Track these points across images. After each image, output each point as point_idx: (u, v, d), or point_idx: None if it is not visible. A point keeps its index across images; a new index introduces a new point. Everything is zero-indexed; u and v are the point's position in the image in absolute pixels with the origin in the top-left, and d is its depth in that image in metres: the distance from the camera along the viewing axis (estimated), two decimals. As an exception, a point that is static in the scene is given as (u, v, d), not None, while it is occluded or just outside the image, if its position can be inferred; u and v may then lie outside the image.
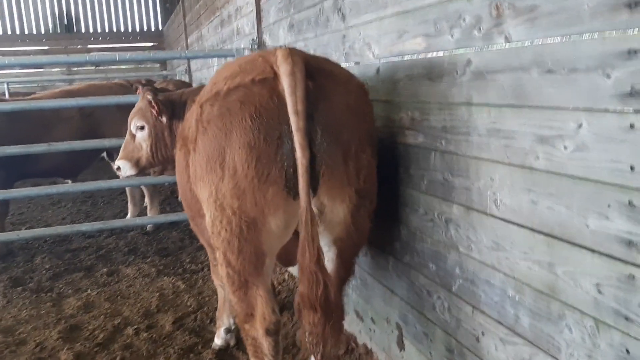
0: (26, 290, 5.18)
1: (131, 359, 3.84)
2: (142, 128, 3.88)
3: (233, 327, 3.90)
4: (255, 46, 5.27)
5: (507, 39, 2.00)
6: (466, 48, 2.24)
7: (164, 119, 3.86)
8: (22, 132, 5.76)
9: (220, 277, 2.73)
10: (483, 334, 2.35)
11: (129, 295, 4.99)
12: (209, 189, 2.49)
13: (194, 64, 10.07)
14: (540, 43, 1.84)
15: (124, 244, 6.56)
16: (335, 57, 3.43)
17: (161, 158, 4.01)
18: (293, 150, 2.30)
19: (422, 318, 2.85)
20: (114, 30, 17.48)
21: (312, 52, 3.86)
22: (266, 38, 5.16)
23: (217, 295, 4.23)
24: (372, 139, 2.61)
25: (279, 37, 4.73)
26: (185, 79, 10.46)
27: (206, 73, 8.85)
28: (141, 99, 3.93)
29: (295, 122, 2.27)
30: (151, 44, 17.34)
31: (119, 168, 4.03)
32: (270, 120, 2.34)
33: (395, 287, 3.10)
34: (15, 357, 3.94)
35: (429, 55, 2.51)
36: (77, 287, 5.24)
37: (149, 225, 6.99)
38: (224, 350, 3.88)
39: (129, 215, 7.34)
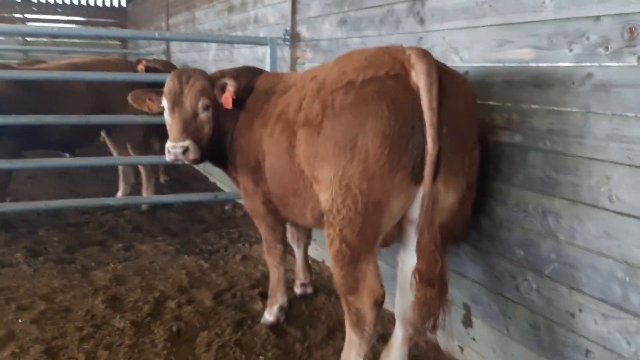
0: (48, 261, 5.16)
1: (186, 329, 3.98)
2: (207, 108, 3.82)
3: (286, 305, 4.13)
4: (288, 37, 5.44)
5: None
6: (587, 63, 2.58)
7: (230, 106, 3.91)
8: (33, 102, 5.69)
9: (333, 252, 2.90)
10: (580, 310, 2.71)
11: (155, 270, 5.08)
12: (335, 169, 2.73)
13: (176, 46, 10.03)
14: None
15: (124, 222, 6.57)
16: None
17: (216, 142, 4.04)
18: (424, 142, 2.58)
19: (500, 298, 3.19)
20: (74, 3, 16.85)
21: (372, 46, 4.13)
22: (301, 30, 5.36)
23: (245, 275, 4.83)
24: (478, 137, 2.93)
25: (323, 30, 4.96)
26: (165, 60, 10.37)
27: (196, 56, 8.89)
28: (197, 78, 3.88)
29: (429, 118, 2.56)
30: (111, 20, 16.86)
31: (186, 149, 3.67)
32: (404, 113, 2.61)
33: (467, 271, 3.43)
34: (67, 323, 4.00)
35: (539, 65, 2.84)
36: (98, 260, 5.29)
37: (144, 205, 7.02)
38: (275, 325, 4.07)
39: (119, 194, 7.32)
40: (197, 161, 3.83)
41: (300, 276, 4.55)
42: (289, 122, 3.20)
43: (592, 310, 2.67)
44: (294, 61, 5.49)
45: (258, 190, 3.79)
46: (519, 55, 2.96)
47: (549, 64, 2.80)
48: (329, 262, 3.35)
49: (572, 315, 2.77)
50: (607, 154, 2.53)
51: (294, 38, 5.48)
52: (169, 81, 3.79)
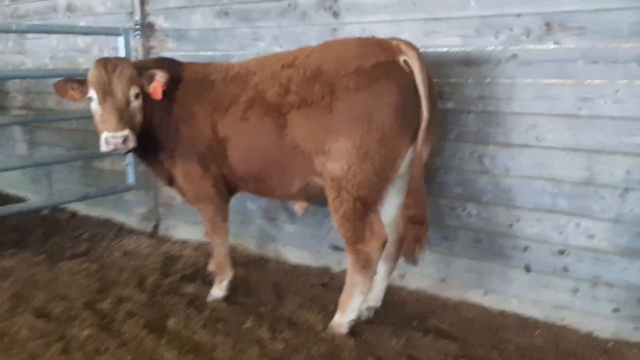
0: None
1: (152, 322, 3.96)
2: (137, 96, 3.82)
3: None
4: (138, 27, 5.45)
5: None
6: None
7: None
8: None
9: (345, 212, 3.49)
10: (518, 220, 3.89)
11: (47, 281, 4.67)
12: (352, 140, 3.36)
13: None
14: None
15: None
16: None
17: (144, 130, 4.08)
18: (420, 111, 3.41)
19: (441, 227, 4.20)
20: None
21: (268, 39, 4.68)
22: (156, 20, 5.44)
23: (144, 268, 4.99)
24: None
25: (192, 21, 5.20)
26: None
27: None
28: (125, 66, 3.86)
29: (423, 92, 3.39)
30: None
31: (126, 138, 3.66)
32: (407, 89, 3.39)
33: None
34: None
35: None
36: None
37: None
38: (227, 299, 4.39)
39: None
40: (130, 151, 3.93)
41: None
42: (272, 106, 3.62)
43: (528, 219, 3.85)
44: (147, 51, 5.51)
45: (207, 175, 4.04)
46: (447, 42, 3.93)
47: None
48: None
49: (510, 225, 3.93)
50: (533, 109, 3.70)
51: (145, 28, 5.49)
52: (94, 70, 3.76)
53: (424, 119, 3.41)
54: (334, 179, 3.46)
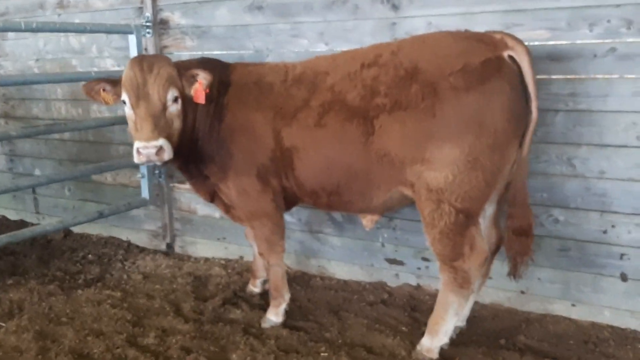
0: None
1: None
2: (176, 100, 3.36)
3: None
4: (150, 23, 4.87)
5: None
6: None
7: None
8: None
9: (445, 227, 3.12)
10: (613, 226, 3.61)
11: (71, 314, 4.06)
12: (460, 147, 3.01)
13: None
14: None
15: None
16: (374, 41, 3.81)
17: (185, 140, 3.57)
18: (527, 111, 3.08)
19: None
20: None
21: (312, 36, 4.25)
22: (171, 16, 4.88)
23: (177, 292, 4.51)
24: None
25: (216, 16, 4.68)
26: None
27: None
28: (162, 65, 3.38)
29: (533, 91, 3.09)
30: None
31: (160, 149, 3.21)
32: (518, 88, 3.07)
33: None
34: None
35: (553, 42, 3.55)
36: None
37: None
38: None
39: None
40: (167, 163, 3.45)
41: (261, 274, 4.39)
42: (355, 111, 3.22)
43: (625, 224, 3.58)
44: (159, 51, 4.94)
45: (267, 189, 3.63)
46: (531, 36, 3.59)
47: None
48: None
49: (605, 232, 3.65)
50: (633, 106, 3.42)
51: (157, 25, 4.92)
52: (129, 70, 3.33)
53: (532, 120, 3.11)
54: (434, 190, 3.10)
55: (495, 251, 3.52)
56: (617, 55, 3.40)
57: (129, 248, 5.66)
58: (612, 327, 3.74)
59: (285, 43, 4.42)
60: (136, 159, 3.23)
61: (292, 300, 4.14)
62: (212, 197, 3.93)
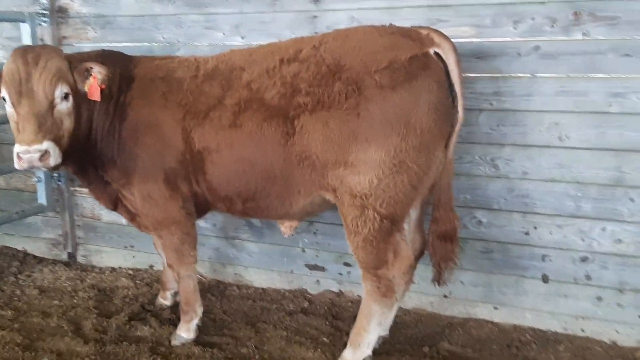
0: None
1: None
2: (66, 97, 3.01)
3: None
4: (46, 11, 4.43)
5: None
6: (534, 37, 3.36)
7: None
8: None
9: (369, 233, 2.94)
10: (535, 227, 3.57)
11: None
12: (386, 149, 2.84)
13: None
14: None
15: None
16: (294, 35, 3.64)
17: (78, 142, 3.22)
18: (454, 110, 2.98)
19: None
20: None
21: (227, 28, 4.00)
22: (72, 4, 4.46)
23: (76, 307, 4.10)
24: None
25: (121, 5, 4.32)
26: None
27: None
28: (50, 57, 3.02)
29: (460, 89, 2.99)
30: None
31: (45, 154, 2.85)
32: (445, 86, 2.96)
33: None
34: None
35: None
36: None
37: None
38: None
39: None
40: (57, 167, 3.15)
41: (172, 285, 4.05)
42: (274, 110, 3.00)
43: (547, 225, 3.55)
44: (57, 42, 4.50)
45: (175, 195, 3.34)
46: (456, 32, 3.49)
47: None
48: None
49: (527, 233, 3.60)
50: (556, 106, 3.39)
51: (55, 13, 4.48)
52: (11, 63, 2.97)
53: (458, 119, 2.99)
54: (358, 196, 2.92)
55: (419, 256, 3.37)
56: (541, 54, 3.36)
57: (25, 259, 5.11)
58: (533, 329, 3.70)
59: (198, 36, 4.13)
60: (17, 165, 2.86)
61: (206, 313, 3.85)
62: (115, 204, 3.58)
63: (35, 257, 5.14)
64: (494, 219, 3.66)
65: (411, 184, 2.90)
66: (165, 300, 4.09)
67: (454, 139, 3.02)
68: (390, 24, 3.12)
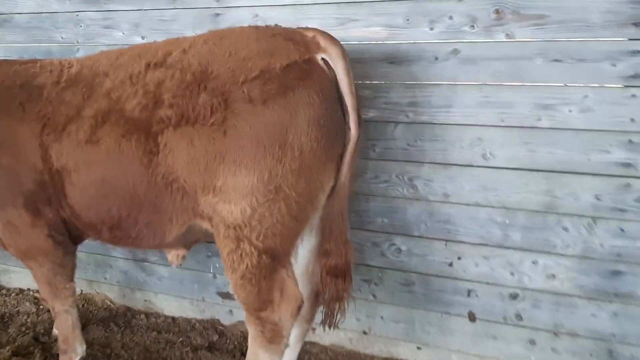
0: None
1: None
2: None
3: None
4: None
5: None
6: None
7: None
8: None
9: (246, 270, 2.51)
10: (459, 258, 3.10)
11: None
12: (258, 173, 2.39)
13: None
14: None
15: None
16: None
17: None
18: (345, 127, 2.52)
19: (362, 267, 3.32)
20: None
21: (126, 27, 3.59)
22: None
23: None
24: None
25: (18, 3, 3.88)
26: None
27: None
28: None
29: (351, 102, 2.53)
30: None
31: None
32: (331, 98, 2.50)
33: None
34: None
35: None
36: None
37: None
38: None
39: None
40: None
41: None
42: (135, 124, 2.55)
43: (472, 256, 3.07)
44: (-45, 43, 4.10)
45: (39, 221, 2.89)
46: (367, 33, 3.04)
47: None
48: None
49: (450, 264, 3.13)
50: (479, 119, 2.92)
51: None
52: None
53: (351, 137, 2.53)
54: (231, 227, 2.48)
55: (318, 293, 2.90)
56: (461, 58, 2.90)
57: None
58: (459, 373, 3.23)
59: (97, 35, 3.70)
60: None
61: (103, 346, 3.45)
62: None
63: None
64: (414, 246, 3.19)
65: (291, 213, 2.45)
66: None
67: (347, 159, 2.56)
68: (276, 25, 2.68)
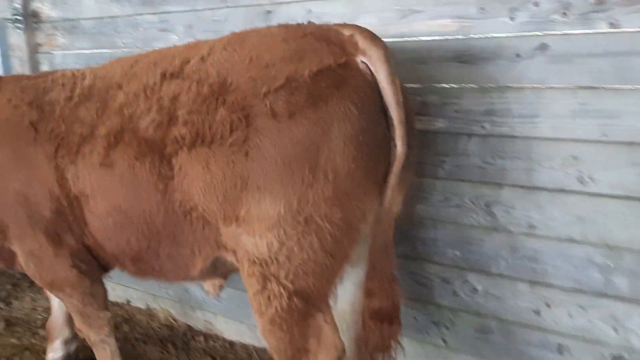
0: None
1: None
2: None
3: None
4: (20, 17, 4.02)
5: (615, 25, 2.14)
6: (541, 31, 2.28)
7: None
8: None
9: (276, 313, 2.12)
10: (548, 305, 2.47)
11: None
12: (285, 200, 1.98)
13: None
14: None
15: None
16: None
17: None
18: (393, 144, 2.03)
19: (431, 307, 2.79)
20: None
21: (180, 29, 3.30)
22: (42, 7, 4.01)
23: None
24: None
25: (83, 6, 3.77)
26: None
27: None
28: None
29: (397, 114, 2.05)
30: None
31: None
32: (372, 110, 2.04)
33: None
34: None
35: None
36: None
37: None
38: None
39: None
40: None
41: (62, 332, 3.33)
42: (148, 144, 2.22)
43: (564, 304, 2.44)
44: (33, 49, 4.08)
45: (62, 251, 2.65)
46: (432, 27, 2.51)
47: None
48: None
49: (537, 312, 2.52)
50: (575, 132, 2.29)
51: (29, 18, 4.06)
52: None
53: (397, 154, 2.07)
54: (256, 262, 2.11)
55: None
56: (549, 55, 2.29)
57: None
58: None
59: (154, 39, 3.48)
60: None
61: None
62: (11, 261, 2.86)
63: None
64: (491, 286, 2.62)
65: (324, 248, 2.04)
66: (55, 353, 3.34)
67: (392, 182, 2.09)
68: (309, 22, 2.25)
